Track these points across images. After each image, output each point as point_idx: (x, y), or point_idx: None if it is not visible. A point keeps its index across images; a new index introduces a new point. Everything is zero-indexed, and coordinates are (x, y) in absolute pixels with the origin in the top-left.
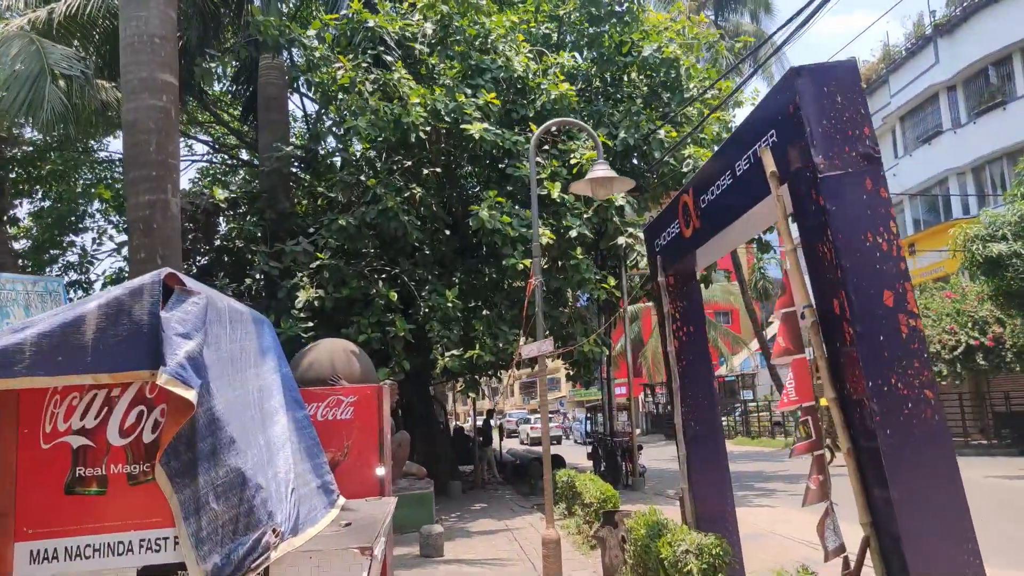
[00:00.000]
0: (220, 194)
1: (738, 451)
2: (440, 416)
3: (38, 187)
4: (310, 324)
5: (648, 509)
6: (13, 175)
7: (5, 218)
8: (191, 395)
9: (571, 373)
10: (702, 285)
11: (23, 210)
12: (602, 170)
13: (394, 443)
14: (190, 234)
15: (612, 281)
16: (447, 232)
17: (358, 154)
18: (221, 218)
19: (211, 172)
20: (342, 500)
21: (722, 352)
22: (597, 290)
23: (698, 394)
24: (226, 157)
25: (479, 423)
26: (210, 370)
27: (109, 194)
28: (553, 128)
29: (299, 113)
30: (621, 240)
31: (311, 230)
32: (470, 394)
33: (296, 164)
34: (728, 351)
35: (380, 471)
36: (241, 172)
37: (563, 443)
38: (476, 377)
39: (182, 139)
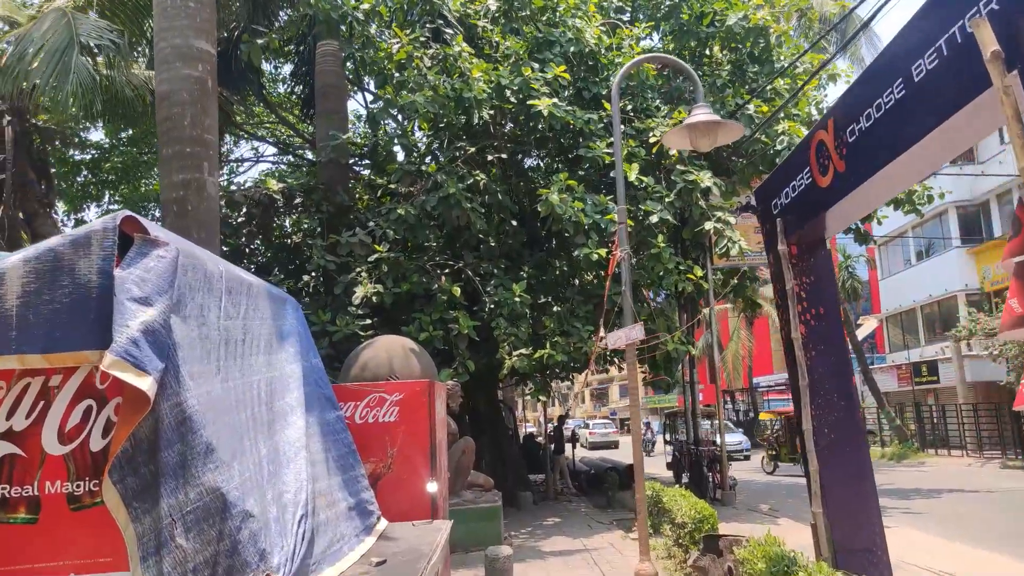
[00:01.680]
0: (274, 185)
1: None
2: (509, 421)
3: (106, 190)
4: (368, 321)
5: (765, 536)
6: (81, 178)
7: (64, 219)
8: (145, 383)
9: (648, 377)
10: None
11: (91, 213)
12: (704, 114)
13: (457, 450)
14: (244, 228)
15: (699, 272)
16: (513, 223)
17: (419, 143)
18: (278, 214)
19: (276, 173)
20: (383, 524)
21: None
22: (682, 282)
23: (832, 393)
24: (292, 158)
25: (550, 429)
26: (183, 351)
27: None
28: (647, 72)
29: (361, 111)
30: (708, 225)
31: (370, 223)
32: (540, 398)
33: (356, 158)
34: None
35: (432, 486)
36: (303, 169)
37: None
38: (547, 379)
39: (247, 140)
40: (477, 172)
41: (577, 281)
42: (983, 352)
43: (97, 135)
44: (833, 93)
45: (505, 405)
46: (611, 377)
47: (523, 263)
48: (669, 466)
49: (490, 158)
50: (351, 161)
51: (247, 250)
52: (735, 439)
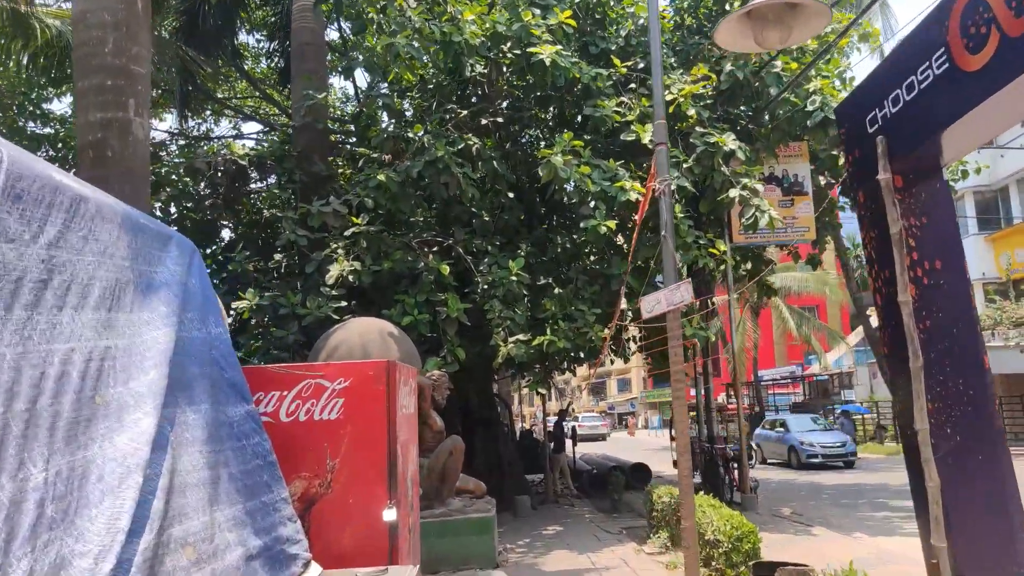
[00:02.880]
0: (239, 150)
1: None
2: (504, 418)
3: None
4: (343, 304)
5: (846, 570)
6: (43, 153)
7: None
8: None
9: (647, 370)
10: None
11: None
12: None
13: (444, 451)
14: (208, 200)
15: (722, 246)
16: (510, 195)
17: (407, 111)
18: (247, 185)
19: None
20: (315, 571)
21: (815, 348)
22: (703, 258)
23: (955, 378)
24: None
25: (550, 426)
26: None
27: None
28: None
29: (349, 90)
30: (733, 193)
31: (347, 193)
32: (539, 390)
33: (341, 135)
34: (821, 348)
35: (390, 513)
36: (275, 136)
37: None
38: (548, 370)
39: (230, 119)
40: (469, 136)
41: (585, 256)
42: (1008, 343)
43: (61, 106)
44: (860, 61)
45: (501, 400)
46: (608, 371)
47: (521, 241)
48: (675, 464)
49: (484, 122)
50: (334, 135)
51: (212, 224)
52: (832, 439)
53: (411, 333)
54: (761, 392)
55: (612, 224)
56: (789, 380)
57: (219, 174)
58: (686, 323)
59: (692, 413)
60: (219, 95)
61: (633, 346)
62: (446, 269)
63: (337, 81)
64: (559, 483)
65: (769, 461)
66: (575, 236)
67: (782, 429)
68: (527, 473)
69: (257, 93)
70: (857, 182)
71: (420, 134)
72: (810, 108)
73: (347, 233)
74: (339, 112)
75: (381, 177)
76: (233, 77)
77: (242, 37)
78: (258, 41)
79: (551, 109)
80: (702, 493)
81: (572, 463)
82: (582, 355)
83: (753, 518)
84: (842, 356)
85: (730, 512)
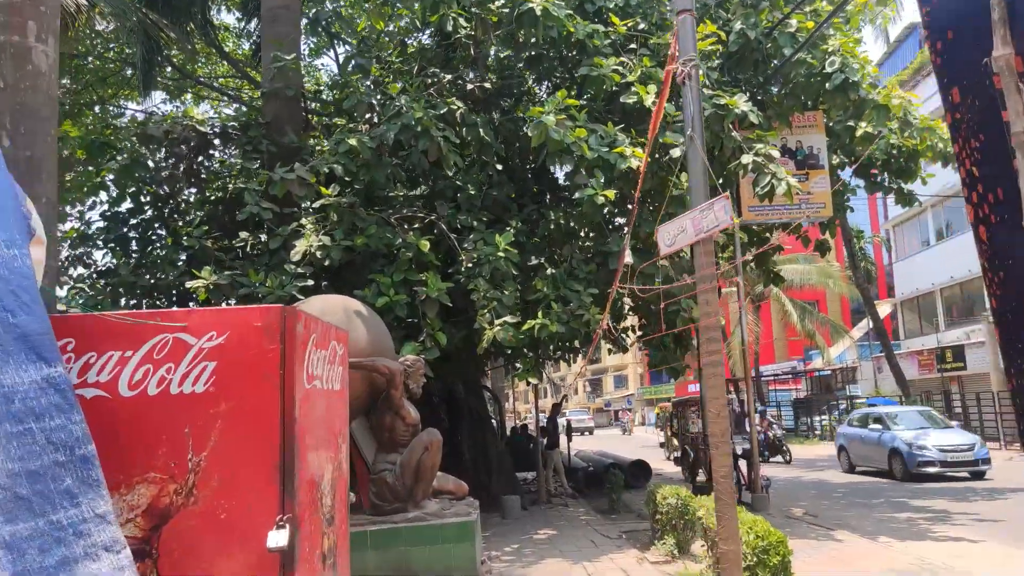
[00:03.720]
0: (197, 114)
1: None
2: (495, 411)
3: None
4: (310, 283)
5: None
6: None
7: None
8: None
9: (640, 359)
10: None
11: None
12: None
13: (419, 447)
14: (164, 171)
15: (734, 218)
16: (499, 168)
17: (387, 79)
18: (211, 156)
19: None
20: None
21: (818, 343)
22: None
23: None
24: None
25: (543, 421)
26: None
27: (77, 132)
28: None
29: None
30: (746, 159)
31: (311, 159)
32: (530, 380)
33: (316, 104)
34: (824, 342)
35: (277, 536)
36: (241, 106)
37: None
38: (539, 357)
39: (213, 102)
40: (452, 99)
41: (581, 233)
42: None
43: None
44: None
45: (491, 393)
46: (604, 367)
47: (511, 219)
48: (677, 461)
49: (471, 87)
50: (311, 114)
51: (172, 201)
52: (956, 440)
53: (387, 316)
54: (762, 388)
55: (611, 194)
56: (790, 375)
57: (178, 144)
58: (691, 303)
59: (694, 408)
60: (198, 76)
61: (631, 337)
62: (426, 245)
63: (318, 57)
64: (552, 482)
65: (859, 468)
66: (570, 211)
67: (879, 427)
68: (518, 471)
69: (234, 71)
70: (949, 75)
71: (397, 95)
72: (829, 70)
73: (315, 205)
74: (317, 84)
75: (352, 141)
76: (212, 59)
77: (221, 16)
78: (239, 20)
79: (542, 67)
80: (702, 498)
81: (567, 460)
82: (577, 341)
83: (767, 519)
84: (845, 351)
85: (752, 517)
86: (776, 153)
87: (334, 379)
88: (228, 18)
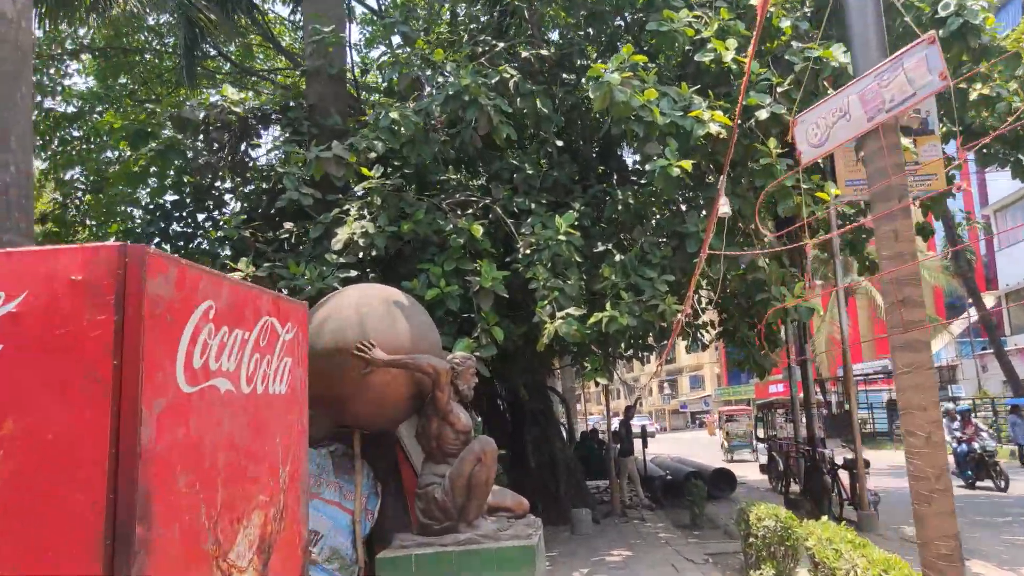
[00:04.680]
0: (233, 95)
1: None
2: (562, 415)
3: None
4: (353, 274)
5: None
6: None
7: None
8: None
9: (730, 356)
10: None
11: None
12: None
13: (470, 457)
14: (203, 158)
15: (834, 190)
16: (559, 144)
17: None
18: (253, 142)
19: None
20: None
21: None
22: (811, 205)
23: None
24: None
25: (615, 424)
26: None
27: (119, 122)
28: None
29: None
30: None
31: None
32: (598, 379)
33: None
34: None
35: None
36: (284, 89)
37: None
38: (610, 355)
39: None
40: (504, 67)
41: (653, 214)
42: None
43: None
44: None
45: (557, 395)
46: (679, 367)
47: (573, 201)
48: (763, 469)
49: (525, 55)
50: (358, 92)
51: (214, 191)
52: None
53: (438, 310)
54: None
55: (687, 164)
56: (882, 375)
57: (216, 129)
58: (784, 291)
59: (782, 410)
60: (257, 70)
61: (709, 334)
62: (478, 230)
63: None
64: (627, 491)
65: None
66: (639, 190)
67: None
68: (589, 479)
69: (292, 66)
70: None
71: (441, 62)
72: (943, 13)
73: (359, 190)
74: (364, 65)
75: (394, 115)
76: (270, 54)
77: (276, 8)
78: (291, 13)
79: (603, 34)
80: (809, 524)
81: (642, 468)
82: (651, 336)
83: (875, 541)
84: (943, 348)
85: (885, 556)
86: None
87: (272, 377)
88: (282, 10)
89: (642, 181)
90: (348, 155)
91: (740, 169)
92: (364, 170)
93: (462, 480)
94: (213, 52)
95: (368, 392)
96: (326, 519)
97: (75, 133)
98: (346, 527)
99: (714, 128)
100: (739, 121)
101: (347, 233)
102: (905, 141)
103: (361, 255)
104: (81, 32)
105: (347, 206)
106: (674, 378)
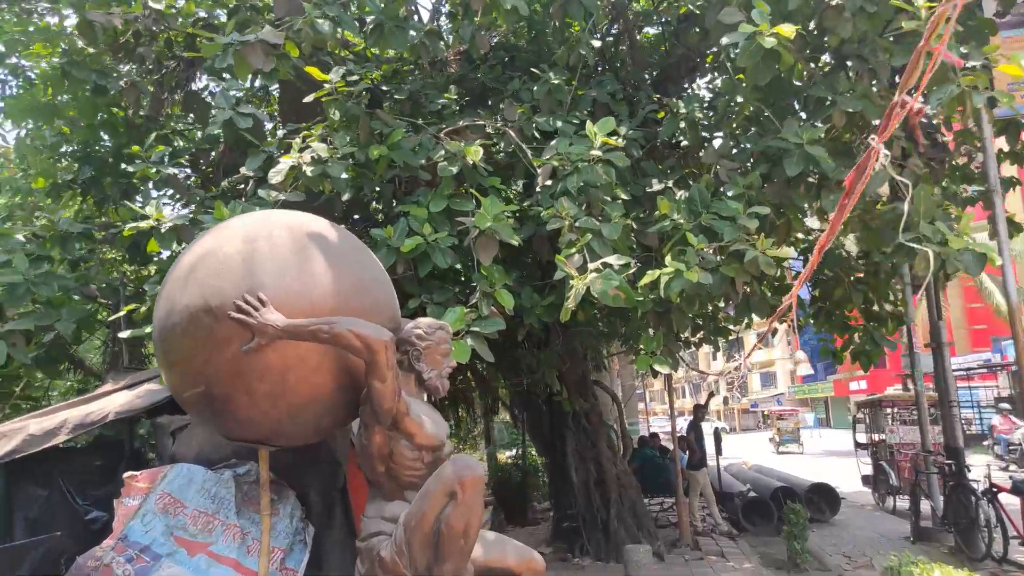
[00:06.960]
0: None
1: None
2: (611, 416)
3: None
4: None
5: None
6: None
7: None
8: None
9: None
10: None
11: None
12: None
13: (434, 495)
14: (125, 79)
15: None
16: (595, 45)
17: None
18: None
19: None
20: None
21: None
22: (1004, 96)
23: None
24: None
25: (681, 427)
26: None
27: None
28: None
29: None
30: None
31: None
32: (656, 368)
33: None
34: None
35: None
36: None
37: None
38: (675, 331)
39: None
40: None
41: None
42: None
43: None
44: None
45: (608, 391)
46: (749, 363)
47: (619, 122)
48: (865, 481)
49: None
50: None
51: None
52: None
53: (422, 268)
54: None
55: (789, 32)
56: (984, 369)
57: (144, 44)
58: (942, 230)
59: (864, 410)
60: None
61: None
62: (477, 153)
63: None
64: (699, 513)
65: None
66: (711, 100)
67: None
68: (647, 495)
69: None
70: None
71: None
72: None
73: (306, 99)
74: None
75: None
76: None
77: None
78: None
79: None
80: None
81: (717, 484)
82: (731, 306)
83: None
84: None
85: None
86: None
87: None
88: None
89: (722, 42)
90: (276, 39)
91: (860, 48)
92: (312, 70)
93: (424, 528)
94: None
95: (259, 382)
96: None
97: None
98: None
99: None
100: None
101: (290, 161)
102: None
103: (315, 193)
104: None
105: (302, 128)
106: (743, 374)
